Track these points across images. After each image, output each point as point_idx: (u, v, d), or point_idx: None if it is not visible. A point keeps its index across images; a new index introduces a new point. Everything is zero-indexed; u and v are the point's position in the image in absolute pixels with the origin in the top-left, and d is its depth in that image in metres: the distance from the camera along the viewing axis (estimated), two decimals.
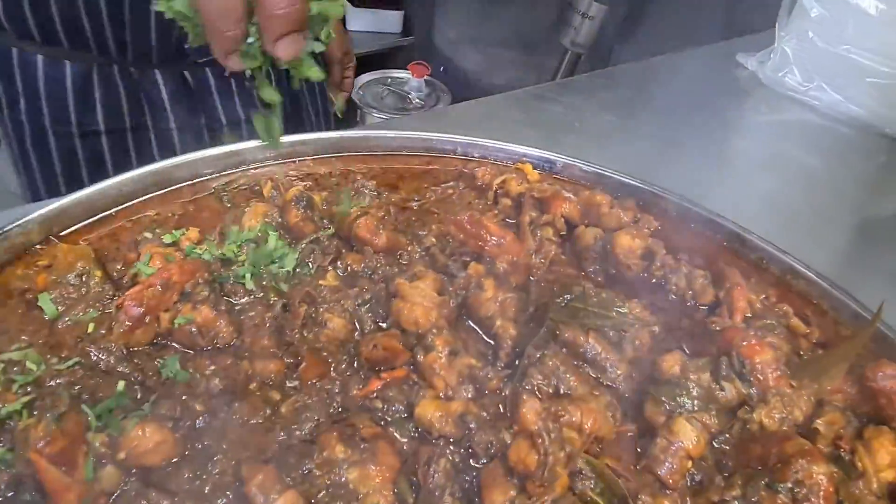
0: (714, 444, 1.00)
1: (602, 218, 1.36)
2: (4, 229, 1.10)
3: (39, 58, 1.66)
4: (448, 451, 0.88)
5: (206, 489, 0.86)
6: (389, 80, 4.57)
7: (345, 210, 1.24)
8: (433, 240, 1.26)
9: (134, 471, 0.86)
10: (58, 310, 1.04)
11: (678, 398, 1.00)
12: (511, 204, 1.38)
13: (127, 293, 1.02)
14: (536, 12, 4.37)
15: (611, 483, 0.87)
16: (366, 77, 4.52)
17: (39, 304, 1.03)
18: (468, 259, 1.21)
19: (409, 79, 4.42)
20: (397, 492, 0.85)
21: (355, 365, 1.04)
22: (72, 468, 0.79)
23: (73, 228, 1.19)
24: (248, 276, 1.14)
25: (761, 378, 1.05)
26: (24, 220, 1.13)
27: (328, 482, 0.87)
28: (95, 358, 0.98)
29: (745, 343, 1.08)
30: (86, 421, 0.84)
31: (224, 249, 1.18)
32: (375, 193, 1.37)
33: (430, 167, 1.51)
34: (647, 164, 1.59)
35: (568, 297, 1.17)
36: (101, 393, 0.94)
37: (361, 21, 5.24)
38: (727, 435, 1.01)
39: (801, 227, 1.68)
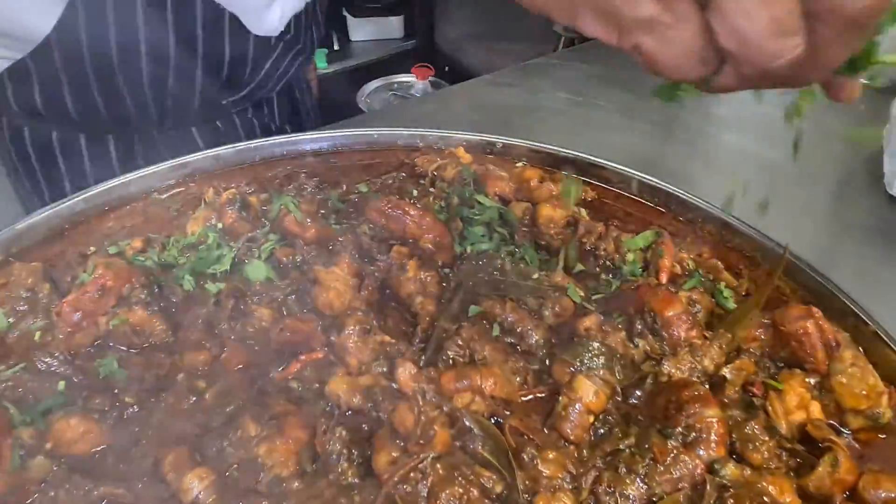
0: (631, 400, 1.02)
1: (533, 192, 1.39)
2: None
3: (82, 138, 1.68)
4: (344, 421, 0.93)
5: (129, 472, 0.93)
6: (395, 84, 4.66)
7: (276, 208, 1.30)
8: (366, 229, 1.31)
9: (63, 460, 0.93)
10: (9, 322, 1.13)
11: (583, 357, 1.02)
12: (447, 188, 1.42)
13: (64, 300, 1.11)
14: None
15: (497, 441, 0.90)
16: (372, 84, 4.62)
17: None
18: (395, 243, 1.26)
19: (414, 82, 4.49)
20: (297, 458, 0.91)
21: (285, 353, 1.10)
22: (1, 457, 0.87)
23: (28, 246, 1.28)
24: (186, 276, 1.21)
25: (673, 332, 1.07)
26: None
27: (239, 458, 0.93)
28: (40, 363, 1.07)
29: (655, 298, 1.09)
30: (9, 417, 0.93)
31: (166, 255, 1.25)
32: (316, 190, 1.43)
33: (374, 161, 1.57)
34: (600, 138, 1.61)
35: (491, 270, 1.20)
36: (45, 395, 1.02)
37: (363, 31, 5.33)
38: (638, 392, 1.02)
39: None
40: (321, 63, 4.97)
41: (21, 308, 1.16)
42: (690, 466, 0.88)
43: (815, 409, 0.98)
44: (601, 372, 0.99)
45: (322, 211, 1.36)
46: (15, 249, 1.28)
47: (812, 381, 1.00)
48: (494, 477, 0.87)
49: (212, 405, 1.02)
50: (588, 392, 0.97)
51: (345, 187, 1.47)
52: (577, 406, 0.97)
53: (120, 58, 1.49)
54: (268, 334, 1.11)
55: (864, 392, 0.97)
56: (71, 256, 1.27)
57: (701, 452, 0.89)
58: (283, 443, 0.92)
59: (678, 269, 1.24)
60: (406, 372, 0.94)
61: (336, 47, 5.23)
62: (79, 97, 1.56)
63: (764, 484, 0.86)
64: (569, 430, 0.95)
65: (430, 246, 1.26)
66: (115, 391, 1.03)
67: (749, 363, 1.04)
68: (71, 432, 0.94)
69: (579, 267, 1.27)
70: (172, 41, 1.52)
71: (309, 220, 1.28)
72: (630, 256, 1.27)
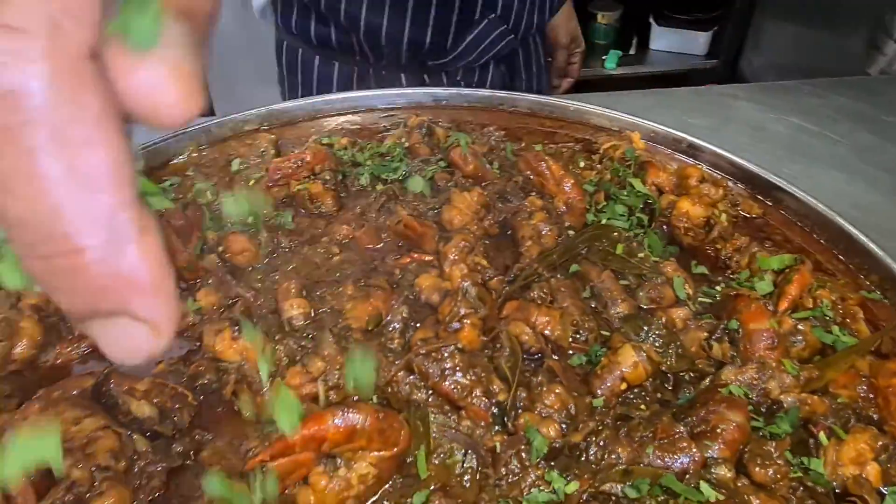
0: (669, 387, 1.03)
1: (690, 190, 1.38)
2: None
3: (317, 58, 2.20)
4: (412, 305, 1.10)
5: (261, 286, 1.22)
6: None
7: (452, 140, 1.50)
8: (520, 178, 1.44)
9: (227, 263, 1.26)
10: (241, 167, 1.51)
11: (643, 331, 1.05)
12: (610, 165, 1.48)
13: (273, 161, 1.44)
14: (846, 41, 3.94)
15: (518, 362, 0.99)
16: None
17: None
18: (533, 194, 1.37)
19: None
20: (368, 319, 1.10)
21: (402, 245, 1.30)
22: (187, 242, 1.22)
23: (275, 125, 1.67)
24: (365, 174, 1.48)
25: (750, 346, 1.03)
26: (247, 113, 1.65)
27: (331, 305, 1.15)
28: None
29: (746, 308, 1.06)
30: (203, 218, 1.27)
31: (359, 155, 1.54)
32: (498, 140, 1.60)
33: (560, 130, 1.68)
34: (814, 171, 1.50)
35: (608, 243, 1.26)
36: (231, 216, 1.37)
37: (665, 41, 5.26)
38: (689, 390, 1.02)
39: None
40: (610, 64, 5.06)
41: (253, 161, 1.53)
42: (685, 454, 0.87)
43: (873, 471, 0.88)
44: (652, 349, 1.01)
45: (492, 157, 1.52)
46: (266, 125, 1.68)
47: (884, 443, 0.90)
48: (503, 387, 0.97)
49: (334, 265, 1.26)
50: (629, 361, 1.00)
51: (523, 144, 1.61)
52: (615, 372, 1.01)
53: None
54: (398, 230, 1.32)
55: None
56: (298, 138, 1.63)
57: (706, 445, 0.88)
58: (364, 306, 1.13)
59: (809, 304, 1.16)
60: (458, 269, 1.07)
61: (632, 52, 5.25)
62: (320, 28, 2.03)
63: (755, 500, 0.82)
64: (598, 390, 1.00)
65: (563, 206, 1.35)
66: (279, 233, 1.33)
67: (821, 402, 0.96)
68: (238, 245, 1.25)
69: (702, 269, 1.25)
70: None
71: (471, 157, 1.45)
72: (766, 277, 1.21)
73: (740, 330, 1.05)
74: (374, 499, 0.90)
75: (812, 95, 1.99)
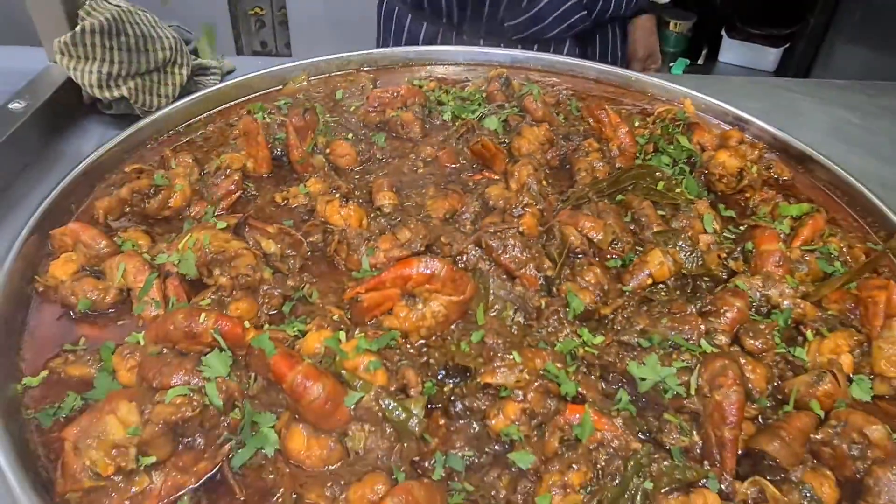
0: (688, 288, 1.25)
1: (729, 148, 1.58)
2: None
3: (409, 17, 2.48)
4: (481, 204, 1.34)
5: (359, 184, 1.48)
6: None
7: (525, 90, 1.74)
8: (582, 127, 1.67)
9: (331, 164, 1.53)
10: (342, 95, 1.79)
11: (671, 240, 1.27)
12: (662, 123, 1.70)
13: (373, 90, 1.71)
14: None
15: (566, 247, 1.22)
16: None
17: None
18: (592, 137, 1.60)
19: None
20: (445, 212, 1.35)
21: (476, 166, 1.55)
22: (303, 141, 1.49)
23: (374, 67, 1.94)
24: (448, 112, 1.73)
25: (760, 262, 1.24)
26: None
27: (414, 202, 1.41)
28: (346, 118, 1.69)
29: (761, 233, 1.27)
30: (317, 120, 1.54)
31: (444, 96, 1.79)
32: (566, 96, 1.83)
33: (622, 98, 1.90)
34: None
35: (652, 182, 1.48)
36: (341, 130, 1.64)
37: (734, 54, 5.35)
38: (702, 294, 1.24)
39: None
40: (677, 70, 5.18)
41: (352, 90, 1.80)
42: (690, 326, 1.09)
43: (846, 361, 1.08)
44: (677, 253, 1.23)
45: (558, 110, 1.75)
46: (366, 67, 1.95)
47: (859, 339, 1.10)
48: (551, 266, 1.20)
49: (419, 175, 1.52)
50: (656, 261, 1.22)
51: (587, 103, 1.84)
52: (644, 270, 1.23)
53: None
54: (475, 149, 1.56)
55: None
56: (391, 80, 1.89)
57: (710, 321, 1.10)
58: (442, 203, 1.38)
59: (820, 244, 1.35)
60: (525, 170, 1.32)
61: (700, 62, 5.38)
62: None
63: (744, 362, 1.03)
64: (629, 283, 1.22)
65: (616, 150, 1.57)
66: (374, 148, 1.59)
67: (812, 308, 1.16)
68: (341, 150, 1.52)
69: (730, 213, 1.46)
70: None
71: (541, 105, 1.69)
72: (785, 222, 1.40)
73: (754, 251, 1.26)
74: (440, 333, 1.14)
75: (861, 93, 2.14)
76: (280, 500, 0.91)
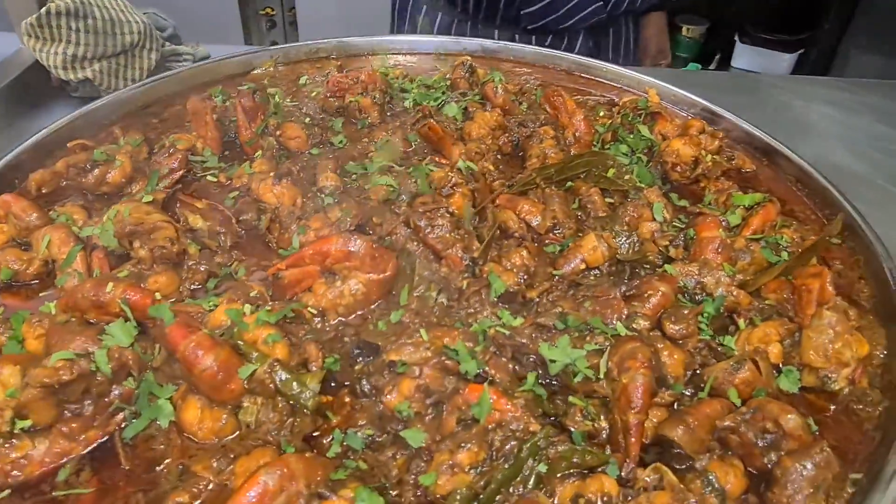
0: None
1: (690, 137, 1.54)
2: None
3: (423, 8, 2.47)
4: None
5: (306, 166, 1.47)
6: None
7: (489, 77, 1.72)
8: (543, 115, 1.64)
9: (282, 146, 1.52)
10: (306, 82, 1.78)
11: (608, 226, 1.23)
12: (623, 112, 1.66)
13: (333, 75, 1.70)
14: None
15: (495, 229, 1.19)
16: None
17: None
18: (546, 124, 1.57)
19: None
20: (384, 193, 1.32)
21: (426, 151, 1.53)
22: (252, 122, 1.49)
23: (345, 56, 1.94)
24: (410, 99, 1.71)
25: (699, 249, 1.20)
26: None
27: (359, 184, 1.39)
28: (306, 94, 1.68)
29: (703, 221, 1.22)
30: (270, 104, 1.54)
31: (408, 85, 1.78)
32: (533, 86, 1.80)
33: (587, 89, 1.87)
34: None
35: (603, 168, 1.44)
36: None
37: (747, 59, 5.26)
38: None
39: None
40: None
41: (318, 79, 1.79)
42: (612, 310, 1.05)
43: (775, 350, 1.04)
44: (610, 238, 1.19)
45: (522, 98, 1.72)
46: (335, 55, 1.94)
47: (789, 328, 1.05)
48: (479, 248, 1.17)
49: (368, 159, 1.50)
50: (590, 245, 1.19)
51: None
52: (578, 256, 1.19)
53: None
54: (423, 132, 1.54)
55: (826, 354, 0.99)
56: (360, 69, 1.88)
57: (633, 305, 1.06)
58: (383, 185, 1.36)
59: (771, 234, 1.30)
60: (457, 148, 1.29)
61: (712, 66, 5.29)
62: None
63: (662, 346, 0.99)
64: (562, 268, 1.19)
65: (571, 137, 1.54)
66: (328, 132, 1.58)
67: (747, 297, 1.11)
68: (291, 132, 1.51)
69: (684, 203, 1.42)
70: None
71: (501, 91, 1.66)
72: (737, 212, 1.36)
73: (694, 238, 1.22)
74: (360, 311, 1.12)
75: (844, 91, 2.08)
76: (165, 470, 0.90)
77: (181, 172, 1.40)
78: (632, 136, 1.58)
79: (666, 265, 1.16)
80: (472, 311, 1.10)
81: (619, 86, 1.87)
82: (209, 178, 1.42)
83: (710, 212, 1.30)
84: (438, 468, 0.86)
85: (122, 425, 0.93)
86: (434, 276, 1.15)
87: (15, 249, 1.17)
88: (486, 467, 0.87)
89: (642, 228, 1.29)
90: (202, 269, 1.17)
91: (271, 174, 1.31)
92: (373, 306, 1.14)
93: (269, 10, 5.48)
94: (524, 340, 1.02)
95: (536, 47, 1.98)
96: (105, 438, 0.92)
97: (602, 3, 2.24)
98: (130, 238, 1.15)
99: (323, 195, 1.33)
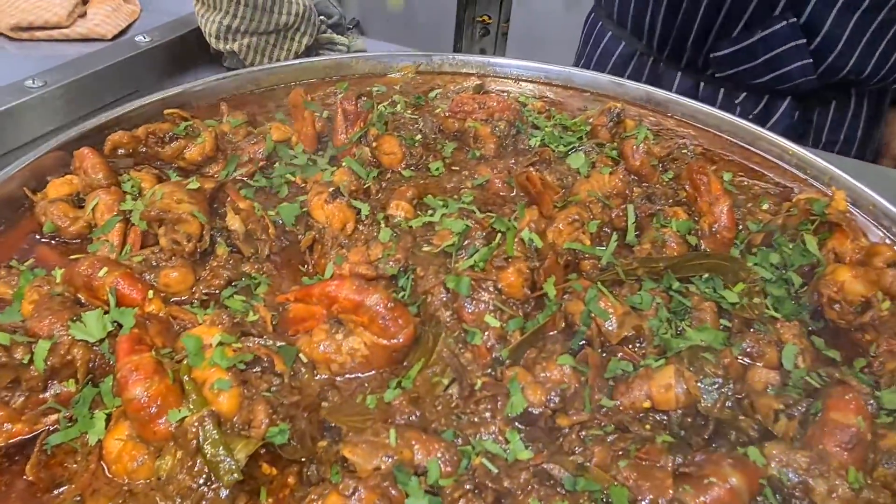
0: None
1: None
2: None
3: (609, 33, 2.17)
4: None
5: (386, 188, 1.32)
6: None
7: (632, 133, 1.44)
8: (685, 192, 1.34)
9: (375, 158, 1.38)
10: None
11: (696, 361, 0.92)
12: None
13: (459, 96, 1.53)
14: None
15: (544, 323, 0.94)
16: None
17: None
18: (681, 206, 1.26)
19: None
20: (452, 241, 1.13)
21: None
22: (349, 127, 1.36)
23: None
24: (537, 138, 1.49)
25: (818, 433, 0.85)
26: None
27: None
28: None
29: (839, 396, 0.87)
30: (374, 112, 1.41)
31: (540, 121, 1.56)
32: (686, 152, 1.50)
33: (767, 171, 1.50)
34: None
35: (726, 276, 1.12)
36: None
37: None
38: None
39: None
40: None
41: (449, 94, 1.64)
42: (652, 486, 0.76)
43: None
44: (692, 381, 0.89)
45: (669, 165, 1.42)
46: (478, 72, 1.77)
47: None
48: (518, 340, 0.93)
49: (457, 193, 1.31)
50: (663, 382, 0.89)
51: (713, 168, 1.47)
52: (643, 389, 0.91)
53: None
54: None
55: None
56: (502, 91, 1.69)
57: (684, 489, 0.75)
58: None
59: None
60: (530, 215, 1.04)
61: None
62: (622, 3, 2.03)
63: None
64: (619, 396, 0.91)
65: (707, 228, 1.22)
66: (433, 154, 1.42)
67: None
68: (388, 147, 1.37)
69: (834, 353, 1.05)
70: None
71: (642, 153, 1.37)
72: None
73: (819, 415, 0.87)
74: (351, 376, 0.94)
75: None
76: (61, 496, 0.78)
77: (262, 163, 1.32)
78: (792, 245, 1.21)
79: (749, 449, 0.82)
80: (477, 420, 0.86)
81: (805, 176, 1.48)
82: (288, 176, 1.32)
83: (858, 383, 0.92)
84: None
85: (51, 428, 0.84)
86: (453, 360, 0.93)
87: (66, 204, 1.15)
88: None
89: (755, 376, 0.96)
90: (224, 275, 1.07)
91: (329, 189, 1.16)
92: (372, 373, 0.95)
93: (485, 17, 5.47)
94: (513, 487, 0.76)
95: (713, 109, 1.64)
96: (29, 437, 0.83)
97: (811, 61, 1.75)
98: (159, 222, 1.07)
99: (383, 225, 1.16)
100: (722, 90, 1.93)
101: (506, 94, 1.67)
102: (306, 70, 1.69)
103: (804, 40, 1.71)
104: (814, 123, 1.96)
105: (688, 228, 1.20)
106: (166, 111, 1.36)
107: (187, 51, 1.86)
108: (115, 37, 1.94)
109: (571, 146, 1.46)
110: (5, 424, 0.82)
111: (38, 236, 1.14)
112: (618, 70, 2.12)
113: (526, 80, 1.77)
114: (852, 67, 1.78)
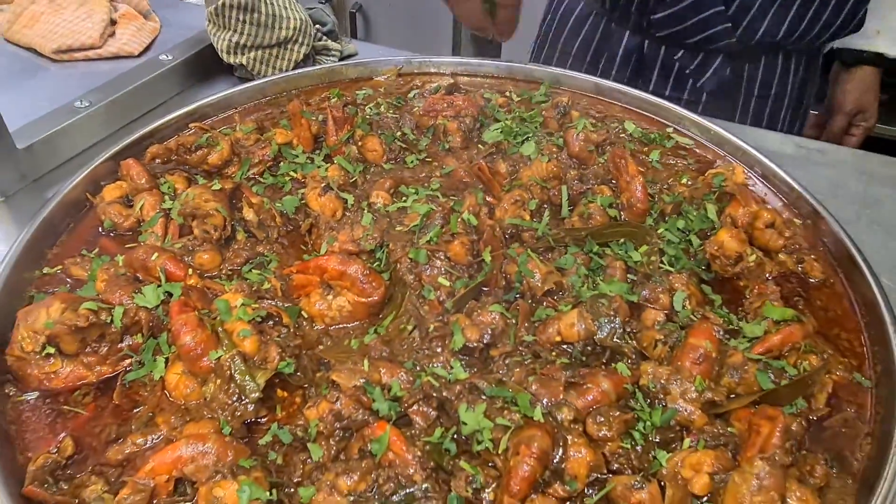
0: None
1: (754, 231, 1.44)
2: None
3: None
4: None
5: (368, 179, 1.63)
6: None
7: (574, 123, 1.72)
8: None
9: (360, 154, 1.69)
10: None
11: (595, 305, 1.23)
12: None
13: (430, 98, 1.82)
14: None
15: (478, 282, 1.25)
16: None
17: None
18: (607, 184, 1.56)
19: None
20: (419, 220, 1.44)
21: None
22: (338, 130, 1.67)
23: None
24: (496, 131, 1.78)
25: (681, 354, 1.16)
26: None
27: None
28: None
29: (699, 326, 1.18)
30: (358, 117, 1.71)
31: (500, 114, 1.84)
32: (624, 137, 1.78)
33: (696, 149, 1.78)
34: None
35: (635, 241, 1.42)
36: None
37: None
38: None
39: None
40: None
41: (426, 95, 1.93)
42: (549, 392, 1.07)
43: (701, 481, 0.99)
44: (589, 319, 1.19)
45: (607, 148, 1.70)
46: (451, 71, 2.06)
47: (722, 465, 1.00)
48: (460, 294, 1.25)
49: (428, 181, 1.61)
50: (569, 321, 1.20)
51: (646, 149, 1.76)
52: (556, 325, 1.22)
53: None
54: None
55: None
56: (473, 87, 1.98)
57: (570, 392, 1.07)
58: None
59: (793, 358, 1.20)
60: (470, 200, 1.36)
61: None
62: None
63: (570, 437, 1.01)
64: (537, 334, 1.22)
65: (625, 202, 1.51)
66: (411, 149, 1.72)
67: (703, 418, 1.07)
68: (371, 145, 1.67)
69: (717, 297, 1.34)
70: None
71: (580, 140, 1.66)
72: (762, 323, 1.26)
73: (682, 340, 1.17)
74: (339, 326, 1.26)
75: None
76: (138, 413, 1.13)
77: (270, 163, 1.64)
78: (696, 213, 1.51)
79: (619, 364, 1.14)
80: (430, 354, 1.18)
81: (723, 152, 1.76)
82: (291, 173, 1.63)
83: (716, 317, 1.23)
84: (321, 485, 0.99)
85: (128, 369, 1.18)
86: (415, 312, 1.25)
87: (119, 205, 1.48)
88: (360, 498, 0.98)
89: (647, 314, 1.27)
90: (243, 255, 1.39)
91: (322, 184, 1.48)
92: (356, 323, 1.28)
93: None
94: (451, 396, 1.09)
95: (649, 96, 1.91)
96: (112, 375, 1.17)
97: (730, 25, 2.03)
98: (192, 217, 1.40)
99: (366, 211, 1.48)
100: (663, 48, 2.22)
101: (476, 91, 1.96)
102: (303, 78, 1.99)
103: (722, 7, 2.00)
104: (745, 79, 2.24)
105: (609, 202, 1.50)
106: (192, 124, 1.68)
107: (204, 65, 2.16)
108: (142, 52, 2.26)
109: (525, 136, 1.76)
110: (96, 366, 1.17)
111: (100, 230, 1.48)
112: (577, 28, 2.41)
113: (493, 77, 2.05)
114: (766, 30, 2.07)
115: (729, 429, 1.08)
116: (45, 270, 1.37)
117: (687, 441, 1.06)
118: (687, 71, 2.20)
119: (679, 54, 2.20)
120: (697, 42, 2.13)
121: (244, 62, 2.09)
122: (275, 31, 2.10)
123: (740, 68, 2.21)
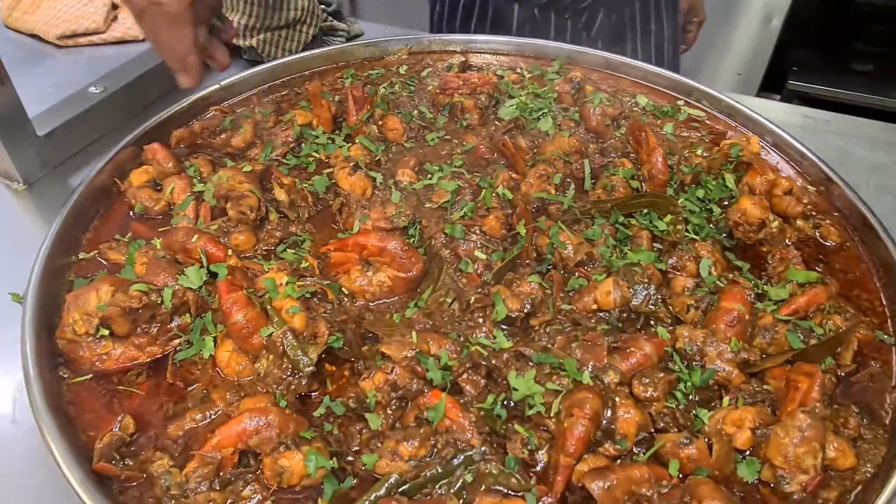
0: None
1: (773, 198, 1.48)
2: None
3: None
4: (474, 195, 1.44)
5: (393, 158, 1.65)
6: None
7: (590, 98, 1.75)
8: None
9: (381, 134, 1.70)
10: None
11: (629, 274, 1.27)
12: None
13: (446, 74, 1.84)
14: None
15: (515, 254, 1.29)
16: None
17: None
18: (632, 156, 1.59)
19: None
20: (448, 197, 1.46)
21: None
22: (358, 110, 1.68)
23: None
24: (512, 107, 1.81)
25: (714, 317, 1.21)
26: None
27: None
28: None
29: (730, 290, 1.22)
30: (378, 96, 1.72)
31: (514, 90, 1.87)
32: (638, 110, 1.81)
33: (710, 122, 1.82)
34: None
35: (659, 210, 1.46)
36: None
37: None
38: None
39: None
40: None
41: (439, 73, 1.95)
42: (593, 357, 1.12)
43: (744, 436, 1.05)
44: (625, 287, 1.24)
45: (623, 122, 1.74)
46: (462, 49, 2.07)
47: (763, 420, 1.05)
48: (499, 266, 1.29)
49: (450, 158, 1.64)
50: (605, 289, 1.24)
51: (659, 122, 1.79)
52: (592, 295, 1.26)
53: None
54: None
55: (787, 455, 0.99)
56: (484, 65, 2.00)
57: (614, 357, 1.12)
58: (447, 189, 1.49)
59: (817, 320, 1.26)
60: (501, 176, 1.39)
61: None
62: None
63: (623, 402, 1.05)
64: (574, 303, 1.26)
65: (646, 174, 1.55)
66: (431, 127, 1.74)
67: (740, 377, 1.12)
68: (391, 124, 1.69)
69: (742, 263, 1.39)
70: None
71: (598, 114, 1.69)
72: (787, 287, 1.32)
73: (715, 305, 1.22)
74: (380, 301, 1.29)
75: None
76: (193, 391, 1.15)
77: (292, 144, 1.65)
78: (715, 182, 1.55)
79: (659, 327, 1.19)
80: (473, 325, 1.22)
81: (735, 123, 1.80)
82: (314, 153, 1.65)
83: (745, 281, 1.28)
84: (383, 452, 1.02)
85: (177, 349, 1.20)
86: (453, 285, 1.29)
87: (150, 189, 1.49)
88: (422, 463, 1.02)
89: (677, 282, 1.31)
90: (277, 235, 1.41)
91: (350, 164, 1.50)
92: (395, 298, 1.31)
93: None
94: (499, 364, 1.13)
95: (660, 70, 1.94)
96: (162, 355, 1.20)
97: None
98: (225, 199, 1.41)
99: (394, 189, 1.50)
100: (553, 14, 2.31)
101: (488, 67, 1.98)
102: (316, 59, 1.99)
103: None
104: (627, 26, 2.38)
105: (631, 174, 1.54)
106: (212, 108, 1.68)
107: None
108: None
109: (541, 111, 1.78)
110: (147, 347, 1.19)
111: (131, 214, 1.49)
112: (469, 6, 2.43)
113: (503, 54, 2.07)
114: None
115: (765, 386, 1.13)
116: (82, 255, 1.38)
117: (726, 399, 1.11)
118: (579, 26, 2.32)
119: (568, 14, 2.30)
120: (567, 5, 2.27)
121: (254, 44, 2.09)
122: (283, 13, 2.10)
123: (622, 16, 2.34)
